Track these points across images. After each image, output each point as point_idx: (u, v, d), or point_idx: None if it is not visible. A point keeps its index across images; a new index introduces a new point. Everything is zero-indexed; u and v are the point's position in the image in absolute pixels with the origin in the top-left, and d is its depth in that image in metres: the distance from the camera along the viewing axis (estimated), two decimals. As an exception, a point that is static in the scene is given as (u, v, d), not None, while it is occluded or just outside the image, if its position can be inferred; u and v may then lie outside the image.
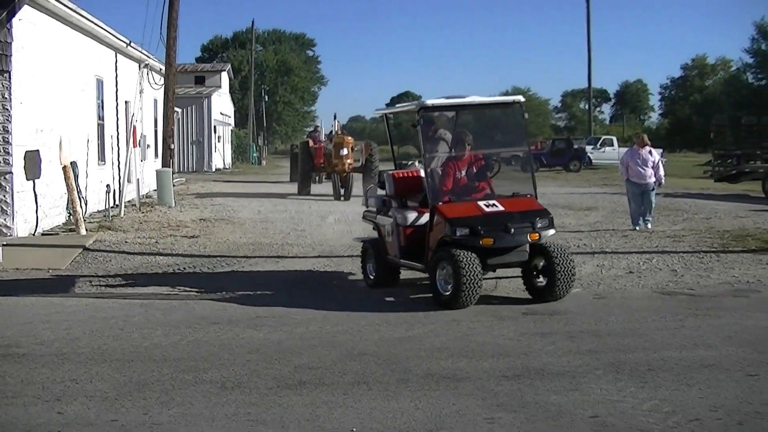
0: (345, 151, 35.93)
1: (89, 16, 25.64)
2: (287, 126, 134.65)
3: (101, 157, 28.78)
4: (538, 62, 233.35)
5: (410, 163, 16.01)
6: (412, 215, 13.93)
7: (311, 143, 39.52)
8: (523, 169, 15.05)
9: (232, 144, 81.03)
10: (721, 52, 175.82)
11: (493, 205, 13.12)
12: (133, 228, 23.05)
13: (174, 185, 32.88)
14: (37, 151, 21.15)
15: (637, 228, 22.31)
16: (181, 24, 34.44)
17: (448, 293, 12.62)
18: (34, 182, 21.14)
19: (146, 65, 35.68)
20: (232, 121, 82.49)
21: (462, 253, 12.34)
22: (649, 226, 22.47)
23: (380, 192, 15.38)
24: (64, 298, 13.81)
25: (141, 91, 33.99)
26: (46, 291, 14.44)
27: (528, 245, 13.00)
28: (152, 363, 9.59)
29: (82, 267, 16.90)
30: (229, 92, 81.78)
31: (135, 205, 29.54)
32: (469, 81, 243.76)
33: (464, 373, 9.18)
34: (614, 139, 71.88)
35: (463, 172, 13.95)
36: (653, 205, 22.96)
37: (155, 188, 32.62)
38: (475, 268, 12.31)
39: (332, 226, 24.10)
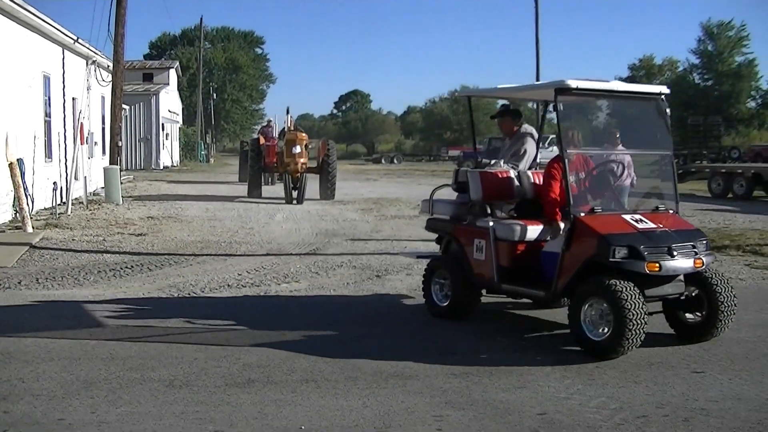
0: (298, 149, 32.58)
1: (36, 12, 25.45)
2: (235, 124, 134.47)
3: (48, 154, 28.57)
4: (487, 61, 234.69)
5: (493, 162, 12.81)
6: (527, 227, 11.29)
7: (262, 140, 36.74)
8: (661, 177, 12.21)
9: (180, 142, 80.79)
10: (668, 52, 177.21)
11: (641, 220, 10.48)
12: (81, 226, 22.89)
13: (122, 183, 32.69)
14: (-17, 147, 20.99)
15: None
16: (129, 21, 34.34)
17: (602, 338, 9.84)
18: (-21, 179, 20.98)
19: (94, 62, 35.45)
20: (180, 118, 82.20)
21: (623, 285, 9.62)
22: None
23: (440, 195, 12.96)
24: (11, 296, 13.67)
25: (88, 88, 33.78)
26: (-8, 289, 14.33)
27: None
28: (99, 361, 9.52)
29: (29, 265, 16.76)
30: (178, 90, 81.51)
31: (82, 202, 29.33)
32: (418, 79, 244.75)
33: (412, 371, 9.20)
34: (562, 137, 72.23)
35: (571, 179, 10.92)
36: None
37: (103, 186, 32.45)
38: (640, 303, 9.59)
39: (280, 224, 24.06)
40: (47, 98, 28.65)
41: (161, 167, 65.07)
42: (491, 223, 11.53)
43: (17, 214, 22.48)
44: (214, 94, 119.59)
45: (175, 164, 73.18)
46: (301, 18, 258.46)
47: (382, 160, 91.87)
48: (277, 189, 35.87)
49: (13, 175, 21.70)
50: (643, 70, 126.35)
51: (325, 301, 13.44)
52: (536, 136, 13.08)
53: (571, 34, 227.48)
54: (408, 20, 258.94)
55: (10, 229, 21.79)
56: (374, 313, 12.48)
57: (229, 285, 14.67)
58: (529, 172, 12.54)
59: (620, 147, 17.83)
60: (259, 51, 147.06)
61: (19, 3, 24.00)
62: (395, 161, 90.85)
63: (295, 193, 32.09)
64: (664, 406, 8.00)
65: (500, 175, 12.33)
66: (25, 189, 23.01)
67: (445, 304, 12.05)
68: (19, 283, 14.76)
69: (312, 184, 33.81)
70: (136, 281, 15.06)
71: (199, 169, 69.24)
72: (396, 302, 13.37)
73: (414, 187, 43.02)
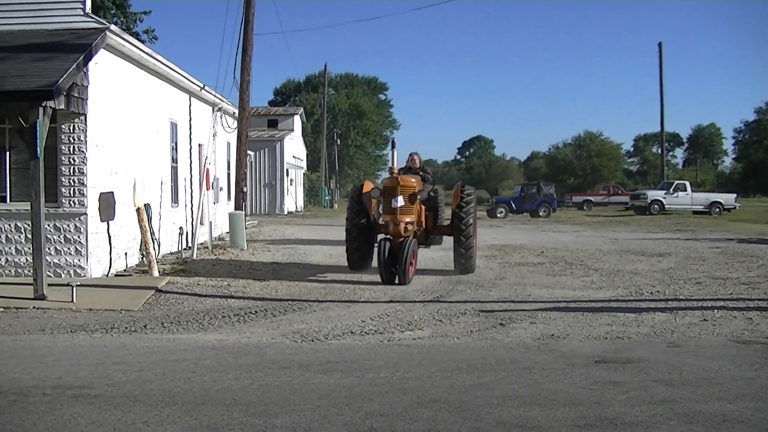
0: (399, 202, 21.74)
1: (164, 60, 25.96)
2: (359, 169, 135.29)
3: (174, 199, 29.03)
4: (611, 107, 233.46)
5: None
6: None
7: (368, 186, 23.86)
8: None
9: (304, 187, 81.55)
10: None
11: None
12: (206, 270, 23.16)
13: (246, 228, 33.04)
14: (112, 192, 21.44)
15: None
16: (254, 68, 34.80)
17: None
18: (108, 224, 21.42)
19: (220, 108, 36.00)
20: (304, 164, 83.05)
21: None
22: None
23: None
24: (137, 339, 13.87)
25: (214, 134, 34.28)
26: (119, 332, 14.53)
27: None
28: (222, 407, 9.55)
29: (155, 309, 17.01)
30: (302, 135, 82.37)
31: (207, 247, 29.74)
32: (541, 125, 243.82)
33: (536, 421, 9.04)
34: (687, 183, 71.51)
35: None
36: None
37: (228, 231, 32.84)
38: None
39: (403, 270, 23.94)
40: (174, 144, 29.16)
41: (285, 212, 65.74)
42: None
43: (144, 258, 22.88)
44: (338, 140, 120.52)
45: (299, 209, 73.86)
46: (424, 64, 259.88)
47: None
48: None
49: (140, 220, 22.13)
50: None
51: (449, 349, 13.30)
52: None
53: (695, 78, 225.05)
54: (530, 66, 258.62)
55: (137, 273, 22.16)
56: (494, 362, 12.33)
57: (352, 332, 14.67)
58: None
59: None
60: (382, 97, 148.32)
61: (148, 52, 24.53)
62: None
63: (396, 267, 21.27)
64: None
65: None
66: (152, 233, 23.42)
67: None
68: (145, 326, 14.97)
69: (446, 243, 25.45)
70: (260, 327, 15.16)
71: (323, 213, 69.74)
72: (519, 350, 13.20)
73: (538, 233, 42.75)
